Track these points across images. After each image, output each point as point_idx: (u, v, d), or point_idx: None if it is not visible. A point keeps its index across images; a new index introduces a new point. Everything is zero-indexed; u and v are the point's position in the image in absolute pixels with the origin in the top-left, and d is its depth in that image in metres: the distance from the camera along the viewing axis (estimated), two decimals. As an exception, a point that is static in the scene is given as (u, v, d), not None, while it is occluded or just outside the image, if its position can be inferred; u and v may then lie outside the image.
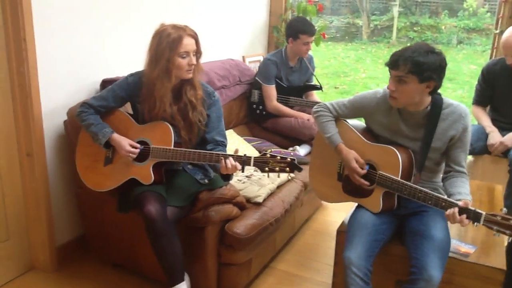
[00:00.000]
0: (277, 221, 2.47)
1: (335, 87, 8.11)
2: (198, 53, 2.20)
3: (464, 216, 1.74)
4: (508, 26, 3.17)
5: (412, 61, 1.84)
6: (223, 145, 2.29)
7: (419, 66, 1.84)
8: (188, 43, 2.12)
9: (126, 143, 2.17)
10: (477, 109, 3.23)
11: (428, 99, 1.97)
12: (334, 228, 2.20)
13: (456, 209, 1.75)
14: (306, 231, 3.18)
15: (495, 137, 2.99)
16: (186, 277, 2.19)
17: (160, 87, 2.14)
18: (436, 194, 1.84)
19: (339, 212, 3.41)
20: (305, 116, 3.41)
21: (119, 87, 2.27)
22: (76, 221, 2.70)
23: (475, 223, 1.73)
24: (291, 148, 3.28)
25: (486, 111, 3.24)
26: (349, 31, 11.90)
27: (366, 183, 2.07)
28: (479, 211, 1.72)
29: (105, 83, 2.60)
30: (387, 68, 1.95)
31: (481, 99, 3.22)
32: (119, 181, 2.20)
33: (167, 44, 2.09)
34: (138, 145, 2.18)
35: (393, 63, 1.90)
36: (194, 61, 2.15)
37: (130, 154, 2.16)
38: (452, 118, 1.98)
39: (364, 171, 2.07)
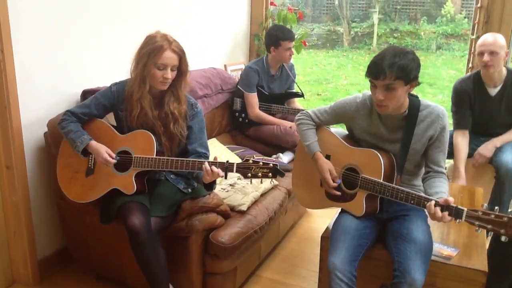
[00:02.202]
0: (261, 229, 2.47)
1: (318, 94, 8.16)
2: (181, 70, 2.18)
3: (446, 213, 1.76)
4: (484, 31, 3.24)
5: (398, 66, 1.83)
6: (205, 156, 2.29)
7: (405, 69, 1.84)
8: (168, 56, 2.10)
9: (103, 151, 2.15)
10: (459, 136, 3.07)
11: (407, 101, 2.00)
12: (319, 234, 2.20)
13: (438, 207, 1.77)
14: (291, 238, 3.18)
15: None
16: (171, 287, 2.17)
17: (137, 91, 2.15)
18: (418, 193, 1.87)
19: (323, 218, 3.42)
20: (287, 123, 3.42)
21: (102, 96, 2.26)
22: (58, 233, 2.66)
23: (458, 220, 1.75)
24: (274, 156, 3.29)
25: (467, 136, 3.07)
26: (330, 39, 12.01)
27: (338, 193, 2.12)
28: (461, 207, 1.75)
29: (85, 94, 2.58)
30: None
31: (461, 122, 3.10)
32: (101, 192, 2.18)
33: (147, 50, 2.10)
34: (114, 155, 2.17)
35: (378, 73, 1.85)
36: (169, 76, 2.13)
37: (107, 163, 2.15)
38: (430, 118, 2.01)
39: (335, 184, 2.12)
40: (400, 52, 1.86)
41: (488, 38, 2.93)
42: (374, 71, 1.87)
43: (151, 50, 2.09)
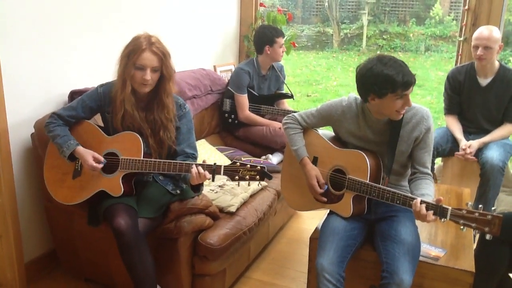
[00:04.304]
0: (250, 230, 2.47)
1: (307, 95, 8.18)
2: (162, 74, 2.13)
3: (431, 212, 1.78)
4: (471, 33, 3.27)
5: (414, 77, 1.91)
6: (194, 157, 2.28)
7: None
8: (147, 57, 2.05)
9: (90, 157, 2.13)
10: (449, 118, 3.25)
11: None
12: (309, 235, 2.21)
13: (424, 205, 1.79)
14: (280, 239, 3.18)
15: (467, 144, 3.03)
16: (159, 289, 2.16)
17: (120, 92, 2.13)
18: (403, 193, 1.88)
19: (313, 219, 3.43)
20: (276, 124, 3.43)
21: (89, 98, 2.24)
22: (45, 235, 2.64)
23: (443, 219, 1.77)
24: (263, 157, 3.29)
25: (458, 119, 3.23)
26: (320, 40, 12.06)
27: (324, 199, 2.14)
28: (446, 206, 1.77)
29: (73, 95, 2.56)
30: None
31: (451, 107, 3.25)
32: (88, 194, 2.16)
33: (128, 51, 2.08)
34: (102, 159, 2.15)
35: (411, 84, 1.89)
36: (148, 77, 2.07)
37: (93, 170, 2.13)
38: (415, 120, 2.03)
39: (321, 190, 2.14)
40: (399, 60, 1.91)
41: (484, 32, 2.98)
42: (408, 84, 1.88)
43: (131, 51, 2.06)
